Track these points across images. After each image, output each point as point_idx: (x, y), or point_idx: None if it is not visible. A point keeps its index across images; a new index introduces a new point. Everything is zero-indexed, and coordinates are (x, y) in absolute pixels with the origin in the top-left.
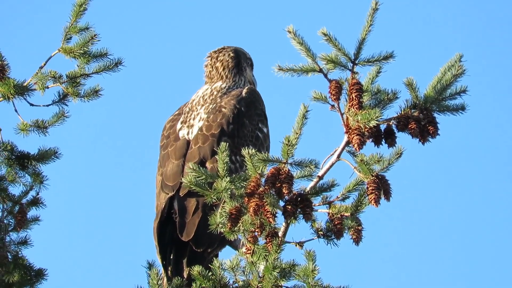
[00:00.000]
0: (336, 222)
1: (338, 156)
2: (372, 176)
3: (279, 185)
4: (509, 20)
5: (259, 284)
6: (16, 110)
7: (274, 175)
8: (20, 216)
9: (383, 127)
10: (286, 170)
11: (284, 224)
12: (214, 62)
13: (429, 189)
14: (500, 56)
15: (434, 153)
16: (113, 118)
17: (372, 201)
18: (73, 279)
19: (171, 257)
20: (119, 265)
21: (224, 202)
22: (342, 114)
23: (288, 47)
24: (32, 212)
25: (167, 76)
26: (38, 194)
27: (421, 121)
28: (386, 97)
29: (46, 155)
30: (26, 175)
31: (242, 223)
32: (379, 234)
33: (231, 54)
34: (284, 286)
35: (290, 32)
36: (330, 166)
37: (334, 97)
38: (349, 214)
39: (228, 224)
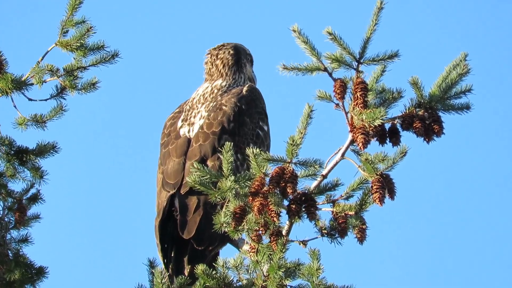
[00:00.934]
0: (340, 221)
1: (343, 155)
2: (377, 175)
3: (283, 184)
4: None
5: (263, 283)
6: (14, 105)
7: (279, 175)
8: (20, 213)
9: (387, 126)
10: (290, 169)
11: (288, 223)
12: (214, 59)
13: (434, 188)
14: (505, 55)
15: (439, 152)
16: (113, 112)
17: (376, 200)
18: (74, 276)
19: (172, 255)
20: (120, 262)
21: (229, 201)
22: (346, 113)
23: (293, 46)
24: (32, 210)
25: (167, 71)
26: (39, 191)
27: (426, 120)
28: (391, 96)
29: (45, 150)
30: (26, 170)
31: (246, 222)
32: (383, 233)
33: (231, 52)
34: (289, 285)
35: (294, 31)
36: (334, 165)
37: (339, 96)
38: (353, 213)
39: (232, 223)
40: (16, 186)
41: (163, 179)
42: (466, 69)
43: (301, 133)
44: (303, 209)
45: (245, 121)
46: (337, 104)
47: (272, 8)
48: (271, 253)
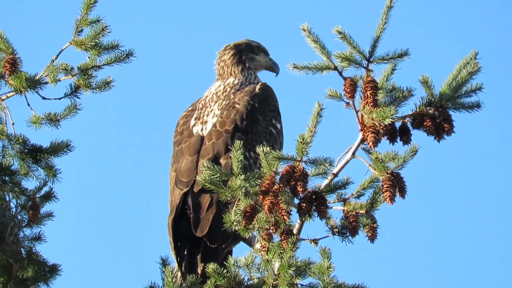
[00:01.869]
0: (351, 220)
1: (353, 154)
2: (387, 173)
3: (293, 183)
4: None
5: (274, 282)
6: (28, 104)
7: (289, 173)
8: (33, 211)
9: (398, 124)
10: (301, 168)
11: (298, 221)
12: (219, 62)
13: (444, 186)
14: None
15: (449, 151)
16: (126, 111)
17: (387, 199)
18: (87, 274)
19: (185, 253)
20: (132, 260)
21: (239, 200)
22: (357, 112)
23: (303, 45)
24: (45, 208)
25: (180, 70)
26: (52, 189)
27: (436, 118)
28: (401, 95)
29: (58, 148)
30: (39, 168)
31: (257, 220)
32: (394, 232)
33: (231, 52)
34: (299, 284)
35: (304, 30)
36: (345, 164)
37: (349, 94)
38: (364, 211)
39: (243, 222)
40: (30, 184)
41: (176, 177)
42: (476, 68)
43: (311, 131)
44: (314, 208)
45: (258, 119)
46: (347, 103)
47: (282, 8)
48: (281, 251)
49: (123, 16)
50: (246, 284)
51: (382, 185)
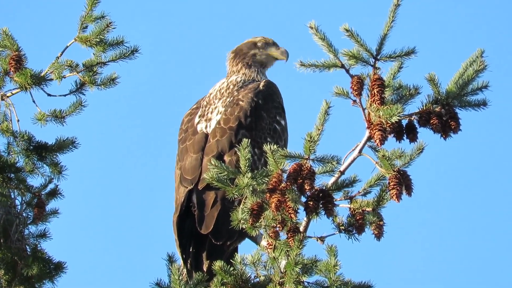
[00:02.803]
0: (357, 217)
1: (360, 151)
2: (394, 171)
3: (301, 181)
4: None
5: (280, 280)
6: (33, 100)
7: (296, 171)
8: (38, 209)
9: (404, 122)
10: (308, 166)
11: (305, 219)
12: (226, 61)
13: (451, 184)
14: None
15: (456, 148)
16: (132, 108)
17: (393, 197)
18: (92, 272)
19: (191, 250)
20: (139, 257)
21: (246, 198)
22: (364, 110)
23: (310, 42)
24: (51, 205)
25: (185, 67)
26: (57, 186)
27: (443, 116)
28: (407, 93)
29: (64, 145)
30: (44, 165)
31: (264, 218)
32: (400, 229)
33: (231, 55)
34: (306, 282)
35: (312, 28)
36: (352, 161)
37: (356, 92)
38: (370, 209)
39: (250, 220)
40: (35, 181)
41: (181, 175)
42: (482, 66)
43: (319, 129)
44: (321, 206)
45: (262, 115)
46: (354, 101)
47: (290, 5)
48: (288, 249)
49: (128, 12)
50: (252, 281)
51: (389, 183)
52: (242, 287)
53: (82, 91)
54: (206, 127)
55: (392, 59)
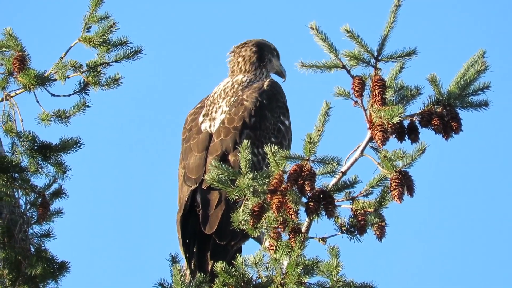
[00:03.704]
0: (359, 218)
1: (361, 152)
2: (395, 172)
3: (301, 182)
4: None
5: (282, 281)
6: (37, 101)
7: (297, 172)
8: (43, 208)
9: (406, 123)
10: (308, 167)
11: (307, 220)
12: (237, 57)
13: (453, 184)
14: None
15: (458, 149)
16: (135, 108)
17: (395, 197)
18: (96, 271)
19: (194, 250)
20: (142, 257)
21: (247, 199)
22: (365, 110)
23: (311, 43)
24: (55, 205)
25: (189, 67)
26: (61, 186)
27: (444, 117)
28: (409, 93)
29: (68, 145)
30: (49, 165)
31: (265, 219)
32: (402, 230)
33: (253, 49)
34: (308, 283)
35: (313, 28)
36: (353, 162)
37: (357, 93)
38: (372, 210)
39: (251, 221)
40: (39, 181)
41: (185, 174)
42: (484, 66)
43: (319, 130)
44: (322, 207)
45: (266, 115)
46: (356, 101)
47: (291, 6)
48: (289, 250)
49: (131, 12)
50: (254, 282)
51: (391, 184)
52: None
53: (86, 91)
54: (210, 126)
55: (393, 60)
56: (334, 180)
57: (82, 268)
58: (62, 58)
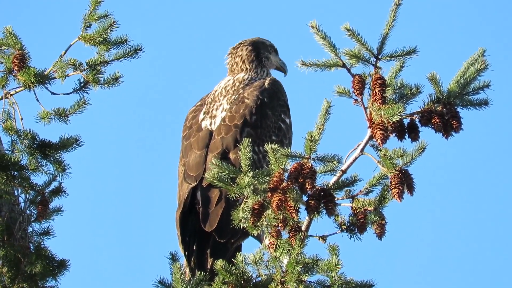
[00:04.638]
0: (359, 216)
1: (362, 150)
2: (396, 170)
3: (302, 180)
4: None
5: (282, 279)
6: (37, 99)
7: (297, 170)
8: (42, 206)
9: (406, 121)
10: (309, 165)
11: (307, 218)
12: (234, 57)
13: (453, 183)
14: None
15: (458, 148)
16: (135, 106)
17: (395, 196)
18: (96, 269)
19: (194, 248)
20: (141, 255)
21: (247, 197)
22: (365, 109)
23: (311, 42)
24: (54, 203)
25: (189, 65)
26: (61, 184)
27: (445, 115)
28: (409, 92)
29: (67, 143)
30: (48, 163)
31: (265, 217)
32: (402, 229)
33: (249, 48)
34: (307, 281)
35: (313, 27)
36: (354, 160)
37: (358, 91)
38: (372, 208)
39: (251, 219)
40: (39, 179)
41: (185, 171)
42: (484, 65)
43: (319, 129)
44: (322, 205)
45: (267, 114)
46: (356, 100)
47: (291, 5)
48: (289, 248)
49: (131, 11)
50: (254, 281)
51: (391, 182)
52: (244, 286)
53: (86, 89)
54: (210, 124)
55: (393, 59)
56: (334, 179)
57: (81, 266)
58: (62, 57)
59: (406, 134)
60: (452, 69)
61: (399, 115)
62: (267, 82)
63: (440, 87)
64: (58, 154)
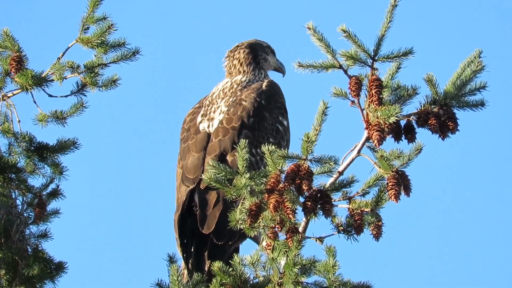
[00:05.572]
0: (356, 218)
1: (358, 152)
2: (392, 171)
3: (299, 181)
4: None
5: (279, 280)
6: (34, 101)
7: (294, 172)
8: (39, 209)
9: (403, 122)
10: (305, 166)
11: (304, 219)
12: (232, 60)
13: (449, 184)
14: None
15: (454, 149)
16: (133, 109)
17: (392, 197)
18: (93, 272)
19: (192, 250)
20: (139, 258)
21: (244, 198)
22: (362, 110)
23: (307, 43)
24: (52, 205)
25: (187, 67)
26: (58, 186)
27: (441, 116)
28: (406, 93)
29: (65, 146)
30: (46, 166)
31: (262, 219)
32: (399, 230)
33: (246, 50)
34: (305, 282)
35: (310, 28)
36: (350, 162)
37: (354, 93)
38: (369, 209)
39: (248, 221)
40: (36, 181)
41: (183, 174)
42: (480, 66)
43: (316, 130)
44: (319, 206)
45: (264, 116)
46: (353, 101)
47: (287, 6)
48: (287, 250)
49: (129, 14)
50: (251, 282)
51: (387, 183)
52: (241, 287)
53: (83, 92)
54: (208, 127)
55: (389, 60)
56: (331, 180)
57: (79, 269)
58: (59, 59)
59: (403, 135)
60: (448, 70)
61: (395, 116)
62: (264, 84)
63: (437, 88)
64: (56, 157)
